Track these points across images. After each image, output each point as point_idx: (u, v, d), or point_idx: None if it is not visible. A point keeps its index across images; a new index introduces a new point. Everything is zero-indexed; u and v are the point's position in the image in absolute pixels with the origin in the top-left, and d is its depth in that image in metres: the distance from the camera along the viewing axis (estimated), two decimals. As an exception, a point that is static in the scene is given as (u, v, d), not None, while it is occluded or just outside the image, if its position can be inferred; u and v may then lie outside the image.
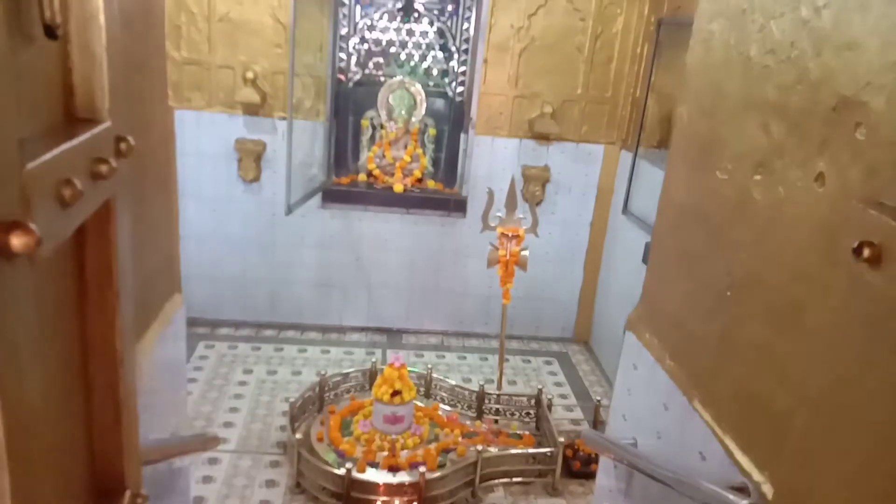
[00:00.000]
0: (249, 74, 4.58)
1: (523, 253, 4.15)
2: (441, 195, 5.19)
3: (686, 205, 1.92)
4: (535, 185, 5.19)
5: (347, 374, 4.40)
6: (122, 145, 0.95)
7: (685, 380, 1.84)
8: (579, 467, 3.91)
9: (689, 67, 1.92)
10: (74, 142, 0.75)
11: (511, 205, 4.11)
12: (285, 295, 5.29)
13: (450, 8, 4.96)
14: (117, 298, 0.97)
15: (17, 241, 0.56)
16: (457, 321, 5.51)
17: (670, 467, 1.71)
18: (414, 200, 5.15)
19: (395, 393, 3.81)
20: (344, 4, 4.81)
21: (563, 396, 4.86)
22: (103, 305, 0.96)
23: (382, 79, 5.04)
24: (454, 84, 5.12)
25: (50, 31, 0.76)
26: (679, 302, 1.93)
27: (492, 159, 5.12)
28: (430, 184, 5.21)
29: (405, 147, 5.13)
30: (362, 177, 5.12)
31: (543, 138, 5.09)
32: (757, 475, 1.49)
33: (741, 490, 1.52)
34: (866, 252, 0.93)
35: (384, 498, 3.47)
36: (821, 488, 1.02)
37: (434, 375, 4.43)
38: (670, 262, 2.01)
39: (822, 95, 1.37)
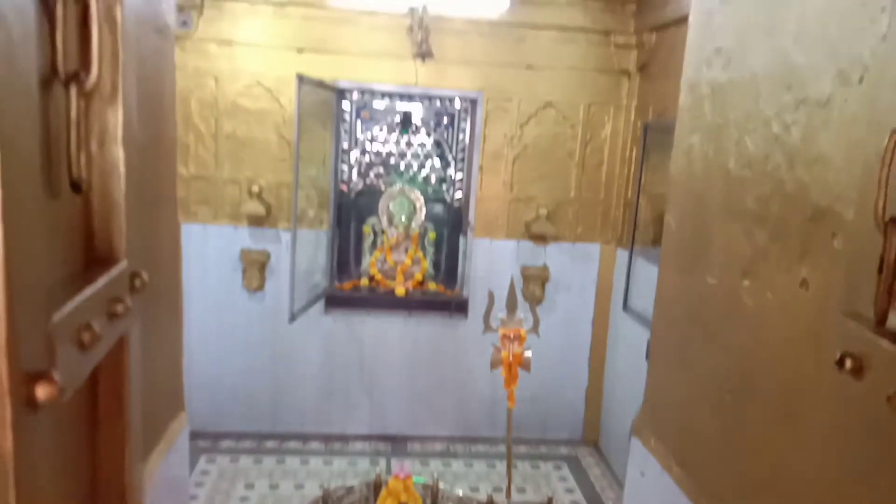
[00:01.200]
0: (255, 188, 4.75)
1: (526, 354, 4.15)
2: (442, 297, 5.24)
3: (681, 309, 1.96)
4: (534, 284, 5.25)
5: (351, 487, 4.28)
6: (137, 281, 1.01)
7: (693, 487, 1.82)
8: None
9: (672, 177, 2.02)
10: (94, 287, 0.81)
11: (511, 305, 4.15)
12: (288, 403, 5.23)
13: (445, 120, 5.20)
14: (127, 429, 0.99)
15: (41, 392, 0.60)
16: (462, 426, 5.42)
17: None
18: (416, 303, 5.20)
19: (401, 504, 3.71)
20: (345, 121, 5.05)
21: (575, 503, 4.71)
22: (113, 436, 0.98)
23: (383, 187, 5.22)
24: (452, 190, 5.29)
25: (76, 186, 0.83)
26: (681, 406, 1.94)
27: (491, 260, 5.21)
28: (432, 286, 5.27)
29: (406, 251, 5.23)
30: (364, 281, 5.20)
31: (540, 239, 5.20)
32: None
33: None
34: (848, 363, 0.97)
35: None
36: None
37: (440, 486, 4.31)
38: (670, 366, 2.03)
39: (798, 206, 1.45)
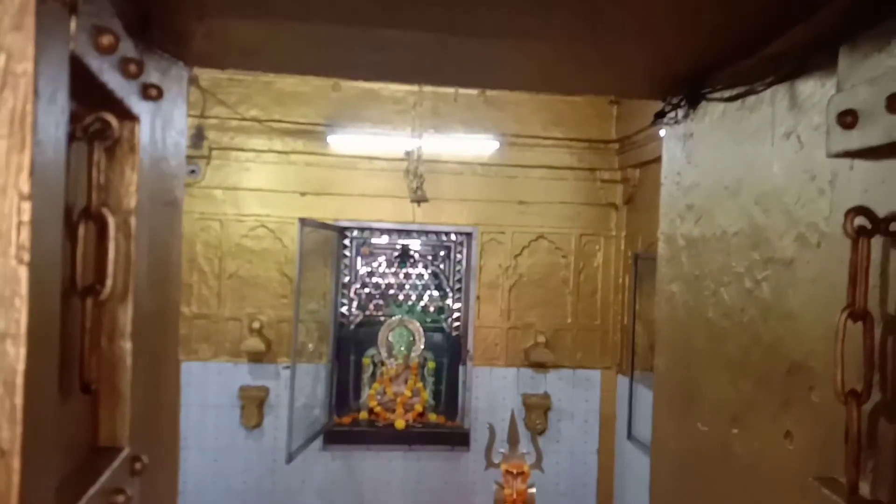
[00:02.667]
0: (256, 324, 4.82)
1: (530, 491, 4.04)
2: (443, 429, 5.17)
3: (676, 454, 1.97)
4: (536, 413, 5.19)
5: None
6: (137, 465, 1.05)
7: None
8: None
9: (658, 322, 2.09)
10: (98, 483, 0.85)
11: (513, 440, 4.10)
12: (285, 547, 5.02)
13: (442, 253, 5.36)
14: None
15: None
16: (468, 566, 5.18)
17: None
18: (416, 436, 5.12)
19: None
20: (346, 256, 5.21)
21: None
22: None
23: (382, 318, 5.29)
24: (450, 319, 5.36)
25: (86, 388, 0.90)
26: (684, 555, 1.90)
27: (491, 389, 5.19)
28: (432, 417, 5.22)
29: (406, 382, 5.22)
30: (364, 415, 5.15)
31: (540, 366, 5.20)
32: None
33: None
34: (828, 533, 0.99)
35: None
36: None
37: None
38: (670, 511, 2.01)
39: (776, 358, 1.50)
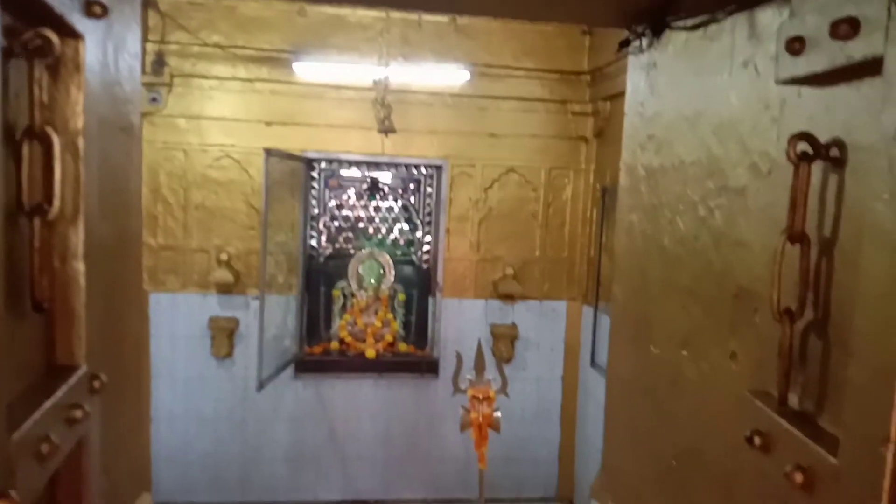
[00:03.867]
0: (223, 256, 4.80)
1: (495, 415, 4.18)
2: (413, 357, 5.28)
3: (630, 377, 2.05)
4: (503, 342, 5.32)
5: (323, 554, 4.23)
6: (96, 383, 1.07)
7: (647, 551, 1.88)
8: None
9: (616, 252, 2.14)
10: (53, 399, 0.87)
11: (479, 367, 4.20)
12: (258, 472, 5.16)
13: (412, 186, 5.34)
14: (85, 527, 1.04)
15: (0, 513, 0.66)
16: (435, 487, 5.39)
17: None
18: (386, 365, 5.23)
19: (373, 574, 3.67)
20: (314, 188, 5.17)
21: (550, 563, 4.68)
22: (71, 536, 1.02)
23: (352, 251, 5.30)
24: (420, 252, 5.39)
25: (38, 307, 0.90)
26: (634, 471, 2.01)
27: (460, 320, 5.28)
28: (402, 347, 5.31)
29: (376, 313, 5.29)
30: (335, 345, 5.22)
31: (508, 298, 5.30)
32: None
33: None
34: (757, 441, 1.06)
35: None
36: None
37: (413, 550, 4.28)
38: (623, 432, 2.11)
39: (725, 284, 1.56)
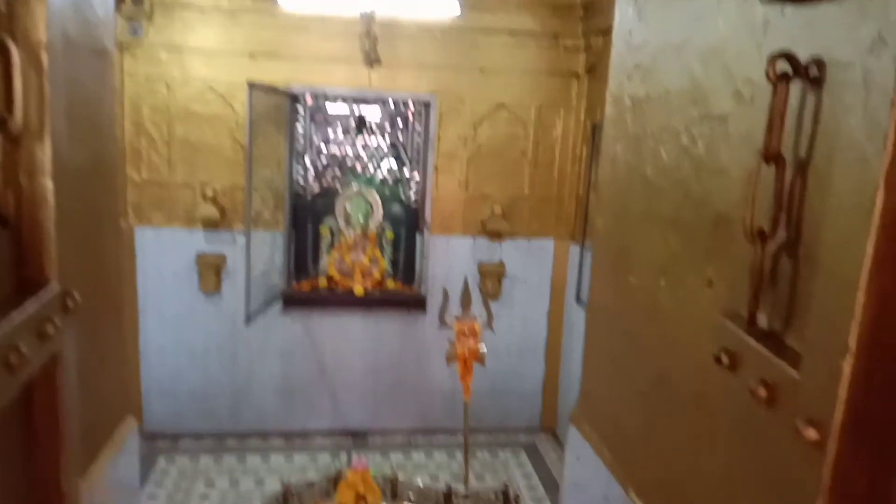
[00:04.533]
0: (209, 191, 4.76)
1: (481, 348, 4.26)
2: (400, 294, 5.33)
3: (609, 307, 2.07)
4: (491, 280, 5.36)
5: (312, 482, 4.35)
6: (69, 301, 1.07)
7: (621, 471, 1.94)
8: (550, 565, 3.88)
9: (600, 182, 2.13)
10: (22, 313, 0.87)
11: (465, 302, 4.25)
12: (248, 403, 5.27)
13: (400, 122, 5.27)
14: (63, 440, 1.06)
15: (-32, 414, 0.67)
16: (422, 419, 5.52)
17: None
18: (374, 301, 5.27)
19: (360, 498, 3.79)
20: (300, 124, 5.09)
21: (532, 488, 4.85)
22: (50, 447, 1.05)
23: (340, 189, 5.27)
24: (408, 190, 5.36)
25: (3, 221, 0.89)
26: (611, 398, 2.06)
27: (448, 257, 5.30)
28: (390, 284, 5.35)
29: (364, 251, 5.29)
30: (323, 281, 5.25)
31: (496, 236, 5.31)
32: (686, 564, 1.57)
33: (673, 580, 1.60)
34: (724, 359, 1.08)
35: None
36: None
37: (400, 477, 4.40)
38: (601, 361, 2.15)
39: (704, 212, 1.56)
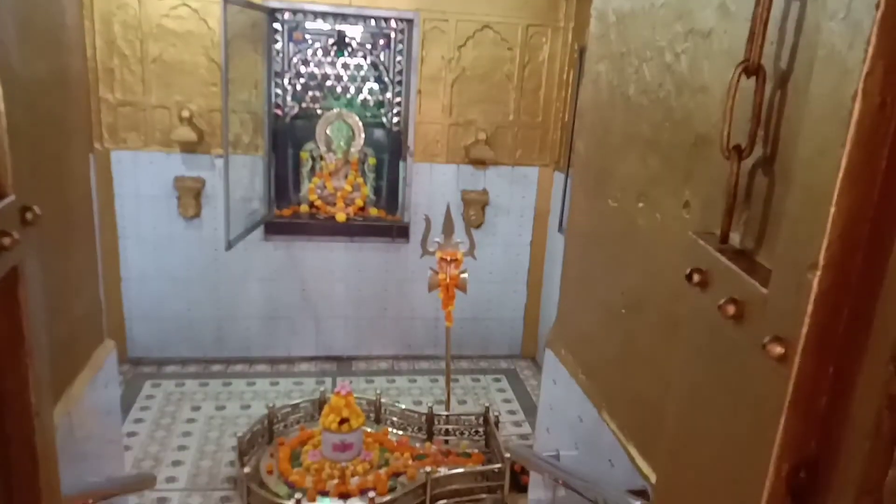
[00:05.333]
0: (185, 113, 4.64)
1: (462, 276, 4.28)
2: (383, 222, 5.30)
3: (587, 231, 2.07)
4: (474, 208, 5.34)
5: (296, 404, 4.44)
6: (28, 215, 1.04)
7: (595, 393, 1.98)
8: (527, 482, 4.02)
9: (581, 104, 2.08)
10: (-26, 221, 0.84)
11: (448, 230, 4.24)
12: (232, 330, 5.30)
13: (381, 42, 5.11)
14: (30, 355, 1.05)
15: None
16: (406, 345, 5.60)
17: (581, 476, 1.83)
18: (357, 229, 5.25)
19: (343, 421, 3.88)
20: (277, 41, 4.91)
21: (512, 412, 4.98)
22: (16, 363, 1.03)
23: (319, 111, 5.15)
24: (390, 114, 5.26)
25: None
26: (586, 321, 2.08)
27: (431, 185, 5.26)
28: (373, 211, 5.31)
29: (346, 177, 5.23)
30: (304, 208, 5.20)
31: (480, 163, 5.26)
32: (654, 478, 1.62)
33: (641, 493, 1.66)
34: (696, 278, 1.08)
35: (335, 525, 3.52)
36: (686, 479, 1.15)
37: (383, 401, 4.51)
38: (577, 285, 2.16)
39: (684, 132, 1.54)
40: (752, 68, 0.99)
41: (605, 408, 1.91)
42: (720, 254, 1.04)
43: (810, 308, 0.79)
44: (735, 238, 1.08)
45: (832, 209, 0.75)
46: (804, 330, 0.79)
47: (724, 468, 0.99)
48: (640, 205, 1.72)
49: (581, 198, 2.12)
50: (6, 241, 0.92)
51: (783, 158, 0.98)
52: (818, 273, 0.78)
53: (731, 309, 0.96)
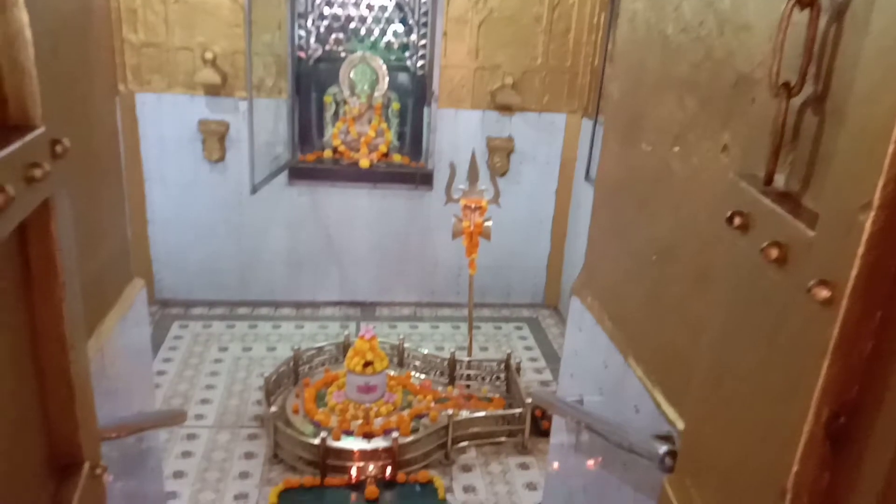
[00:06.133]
0: (208, 55, 4.59)
1: (486, 224, 4.25)
2: (407, 169, 5.26)
3: (618, 177, 2.03)
4: (499, 155, 5.27)
5: (321, 347, 4.51)
6: (58, 147, 1.03)
7: (621, 339, 1.97)
8: (548, 426, 4.06)
9: (617, 45, 2.01)
10: (5, 152, 0.84)
11: (472, 177, 4.20)
12: (257, 274, 5.36)
13: (407, -19, 4.98)
14: (63, 289, 1.05)
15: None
16: (428, 292, 5.63)
17: (605, 420, 1.84)
18: (380, 175, 5.22)
19: (367, 364, 3.93)
20: (300, -19, 4.82)
21: (533, 360, 5.02)
22: (50, 296, 1.04)
23: (343, 54, 5.06)
24: (415, 58, 5.16)
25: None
26: (614, 268, 2.05)
27: (456, 131, 5.19)
28: (396, 158, 5.27)
29: (369, 122, 5.18)
30: (328, 153, 5.17)
31: (506, 109, 5.16)
32: (681, 424, 1.62)
33: (666, 438, 1.66)
34: (737, 221, 1.05)
35: (360, 463, 3.61)
36: (718, 424, 1.14)
37: (406, 345, 4.56)
38: (607, 232, 2.13)
39: (725, 72, 1.48)
40: (805, 0, 0.93)
41: (631, 354, 1.90)
42: (763, 196, 1.01)
43: (861, 250, 0.76)
44: (779, 180, 1.04)
45: (890, 147, 0.71)
46: (853, 272, 0.76)
47: (758, 413, 0.98)
48: (676, 149, 1.67)
49: (613, 143, 2.07)
50: (38, 172, 0.91)
51: (836, 95, 0.94)
52: (871, 213, 0.74)
53: (773, 252, 0.93)
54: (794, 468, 0.84)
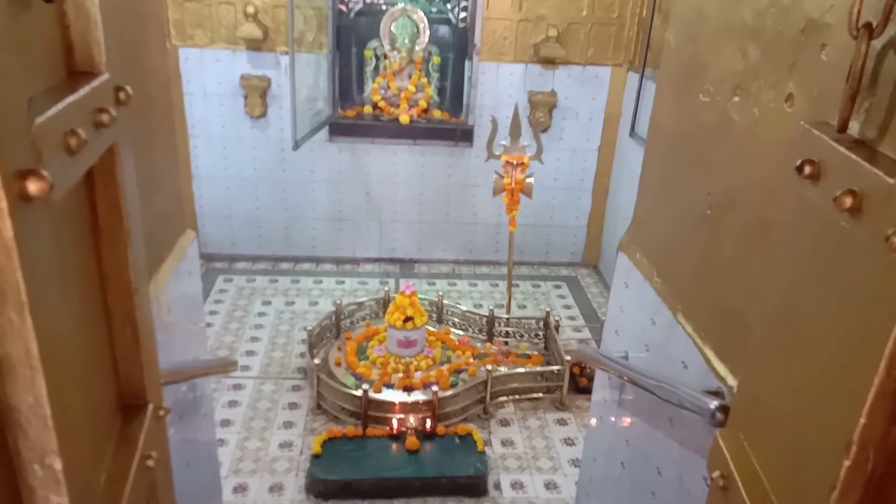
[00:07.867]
0: (250, 9, 4.57)
1: (528, 180, 4.21)
2: (447, 125, 5.22)
3: (672, 129, 1.97)
4: (541, 111, 5.19)
5: (362, 302, 4.57)
6: (121, 94, 1.04)
7: (670, 295, 1.95)
8: (586, 384, 4.08)
9: (674, -10, 1.93)
10: (76, 96, 0.84)
11: (515, 133, 4.14)
12: (299, 230, 5.42)
13: (449, -70, 4.85)
14: (128, 234, 1.08)
15: (32, 187, 0.66)
16: (467, 250, 5.64)
17: (653, 375, 1.83)
18: (420, 131, 5.19)
19: (408, 319, 3.97)
20: (341, -68, 4.73)
21: (572, 318, 5.01)
22: (115, 241, 1.07)
23: (384, 7, 4.99)
24: (457, 10, 5.06)
25: (46, -5, 0.84)
26: (665, 223, 2.02)
27: (497, 86, 5.11)
28: (437, 114, 5.22)
29: (409, 77, 5.12)
30: (368, 109, 5.15)
31: (549, 63, 5.05)
32: (731, 380, 1.60)
33: (716, 394, 1.65)
34: (807, 169, 1.01)
35: (400, 415, 3.68)
36: (775, 380, 1.13)
37: (445, 302, 4.59)
38: (658, 186, 2.08)
39: (791, 18, 1.41)
40: (896, -69, 0.87)
41: (680, 311, 1.88)
42: (838, 143, 0.97)
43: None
44: (854, 127, 1.00)
45: None
46: (937, 221, 0.73)
47: (824, 367, 0.96)
48: (736, 99, 1.62)
49: (667, 94, 2.01)
50: (104, 117, 0.92)
51: (923, 36, 0.89)
52: (962, 159, 0.71)
53: (847, 201, 0.90)
54: (862, 420, 0.82)
